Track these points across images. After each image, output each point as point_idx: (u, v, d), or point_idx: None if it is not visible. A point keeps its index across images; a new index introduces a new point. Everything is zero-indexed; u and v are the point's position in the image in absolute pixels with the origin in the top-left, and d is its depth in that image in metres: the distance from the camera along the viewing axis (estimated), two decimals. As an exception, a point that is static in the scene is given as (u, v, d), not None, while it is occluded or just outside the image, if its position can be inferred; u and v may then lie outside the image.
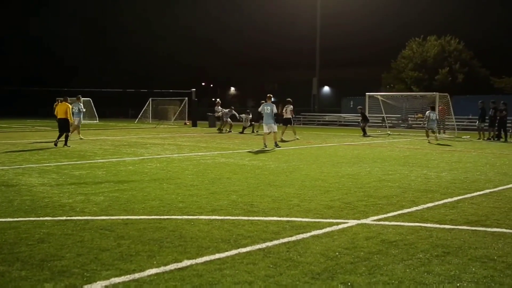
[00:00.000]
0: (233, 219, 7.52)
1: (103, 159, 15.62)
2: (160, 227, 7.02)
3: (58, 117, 20.62)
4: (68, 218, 7.55)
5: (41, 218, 7.50)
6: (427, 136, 25.35)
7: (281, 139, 23.65)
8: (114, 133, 27.04)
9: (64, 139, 20.25)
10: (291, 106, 26.14)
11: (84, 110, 25.85)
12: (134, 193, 9.62)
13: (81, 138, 24.25)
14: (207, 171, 13.01)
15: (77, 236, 6.53)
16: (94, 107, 50.69)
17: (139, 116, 49.62)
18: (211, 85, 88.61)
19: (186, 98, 47.82)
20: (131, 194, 9.56)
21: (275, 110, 20.84)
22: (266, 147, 19.89)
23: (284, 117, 26.06)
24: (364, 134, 29.46)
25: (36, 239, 6.37)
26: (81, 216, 7.69)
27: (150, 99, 50.41)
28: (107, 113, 61.09)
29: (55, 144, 20.03)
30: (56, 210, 8.09)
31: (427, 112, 26.17)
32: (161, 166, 14.04)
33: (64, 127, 20.50)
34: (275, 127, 20.73)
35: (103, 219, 7.48)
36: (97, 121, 49.65)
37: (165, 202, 8.79)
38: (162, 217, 7.65)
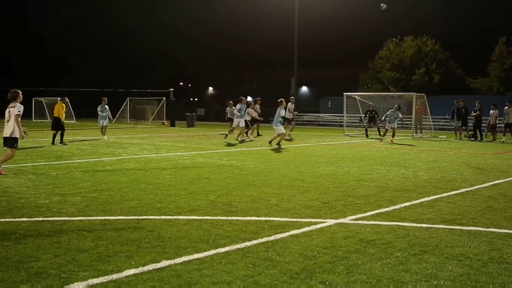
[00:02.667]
0: (211, 219, 7.51)
1: (80, 159, 15.48)
2: (138, 227, 6.98)
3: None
4: (45, 219, 7.47)
5: (17, 219, 7.41)
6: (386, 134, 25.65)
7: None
8: (92, 133, 26.81)
9: (59, 137, 20.96)
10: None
11: (101, 113, 25.54)
12: (112, 194, 9.55)
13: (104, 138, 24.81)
14: (185, 171, 12.97)
15: (54, 237, 6.46)
16: (71, 107, 50.21)
17: (117, 116, 49.30)
18: (189, 85, 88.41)
19: (164, 98, 47.65)
20: (108, 194, 9.49)
21: (282, 113, 21.13)
22: (271, 144, 20.79)
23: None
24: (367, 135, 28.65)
25: (12, 240, 6.29)
26: (58, 216, 7.61)
27: (128, 98, 50.14)
28: (84, 112, 60.60)
29: (52, 143, 20.72)
30: (33, 210, 7.99)
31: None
32: (139, 166, 13.96)
33: (53, 125, 21.20)
34: (279, 129, 21.23)
35: (81, 220, 7.41)
36: (74, 121, 49.21)
37: (143, 202, 8.75)
38: (140, 217, 7.61)
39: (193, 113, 44.96)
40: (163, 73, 75.77)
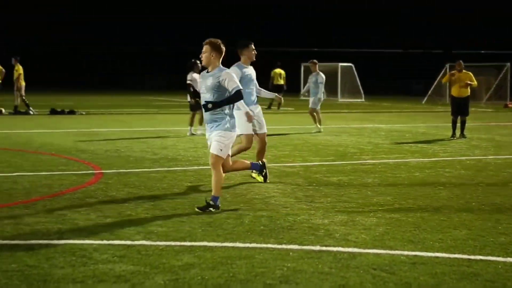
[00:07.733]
0: None
1: (373, 160, 15.85)
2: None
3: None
4: (324, 248, 7.67)
5: (283, 246, 7.72)
6: None
7: None
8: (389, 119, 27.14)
9: None
10: None
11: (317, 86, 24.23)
12: (425, 216, 9.52)
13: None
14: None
15: (337, 277, 6.59)
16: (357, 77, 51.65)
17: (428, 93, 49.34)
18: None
19: (508, 64, 46.63)
20: (420, 216, 9.49)
21: None
22: None
23: None
24: None
25: (278, 277, 6.53)
26: (343, 246, 7.77)
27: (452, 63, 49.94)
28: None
29: None
30: (306, 234, 8.32)
31: None
32: (468, 174, 13.79)
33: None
34: None
35: (377, 254, 7.47)
36: (363, 100, 50.60)
37: (484, 232, 8.48)
38: (475, 257, 7.36)
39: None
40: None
